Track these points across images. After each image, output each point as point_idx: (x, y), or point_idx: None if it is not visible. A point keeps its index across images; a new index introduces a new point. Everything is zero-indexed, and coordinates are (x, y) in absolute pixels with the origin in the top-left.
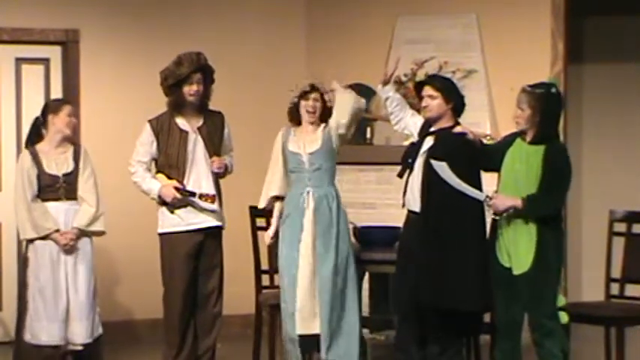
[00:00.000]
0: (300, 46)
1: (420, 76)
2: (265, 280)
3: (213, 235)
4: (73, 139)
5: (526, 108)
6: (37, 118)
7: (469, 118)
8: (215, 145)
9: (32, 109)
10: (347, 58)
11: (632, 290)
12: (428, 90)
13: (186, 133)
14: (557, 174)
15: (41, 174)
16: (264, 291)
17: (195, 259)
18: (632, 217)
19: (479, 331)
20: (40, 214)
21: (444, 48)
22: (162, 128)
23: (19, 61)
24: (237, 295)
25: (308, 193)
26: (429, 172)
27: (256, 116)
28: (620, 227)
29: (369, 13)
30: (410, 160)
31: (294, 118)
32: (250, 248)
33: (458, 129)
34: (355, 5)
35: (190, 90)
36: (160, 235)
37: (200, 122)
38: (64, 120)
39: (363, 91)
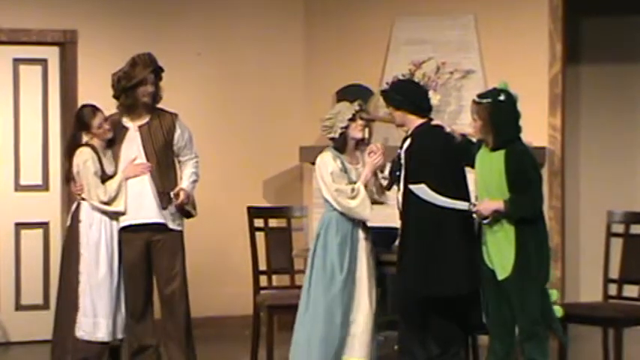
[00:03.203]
0: (299, 47)
1: (418, 76)
2: (263, 280)
3: (161, 235)
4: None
5: (477, 119)
6: (75, 126)
7: (467, 118)
8: (156, 145)
9: (30, 110)
10: (345, 58)
11: (629, 291)
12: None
13: (127, 129)
14: (521, 176)
15: (103, 175)
16: (262, 292)
17: (146, 258)
18: (630, 218)
19: (478, 330)
20: (113, 197)
21: (442, 49)
22: None
23: (17, 61)
24: (235, 295)
25: (359, 222)
26: (405, 171)
27: (254, 118)
28: (618, 228)
29: (367, 14)
30: (397, 173)
31: (344, 144)
32: (248, 249)
33: (434, 123)
34: (353, 6)
35: (145, 91)
36: None
37: (144, 121)
38: (98, 133)
39: (362, 91)
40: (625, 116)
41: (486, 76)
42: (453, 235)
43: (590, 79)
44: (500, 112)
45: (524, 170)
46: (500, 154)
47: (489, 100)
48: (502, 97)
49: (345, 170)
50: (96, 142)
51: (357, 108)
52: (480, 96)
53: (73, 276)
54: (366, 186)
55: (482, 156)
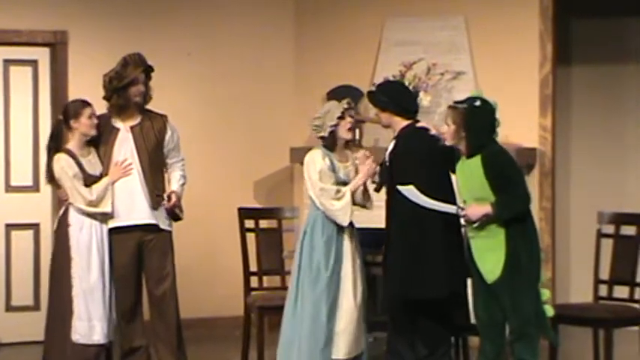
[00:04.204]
0: (289, 47)
1: (409, 77)
2: (254, 281)
3: (152, 235)
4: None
5: (451, 124)
6: (59, 121)
7: None
8: (148, 146)
9: (20, 111)
10: (336, 59)
11: (620, 292)
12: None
13: (118, 130)
14: (499, 176)
15: (85, 177)
16: (253, 293)
17: (136, 259)
18: (620, 219)
19: (466, 331)
20: (101, 197)
21: (433, 50)
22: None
23: (7, 62)
24: (226, 296)
25: None
26: (388, 178)
27: (245, 119)
28: (609, 229)
29: (358, 15)
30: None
31: (333, 142)
32: (239, 250)
33: (419, 125)
34: (344, 7)
35: (137, 91)
36: None
37: (136, 122)
38: (86, 123)
39: (352, 92)
40: (615, 117)
41: (477, 78)
42: (436, 237)
43: (581, 79)
44: (474, 117)
45: (501, 170)
46: (477, 160)
47: (465, 105)
48: (478, 103)
49: (333, 169)
50: (75, 142)
51: (346, 106)
52: (456, 102)
53: (64, 280)
54: (365, 192)
55: (462, 166)
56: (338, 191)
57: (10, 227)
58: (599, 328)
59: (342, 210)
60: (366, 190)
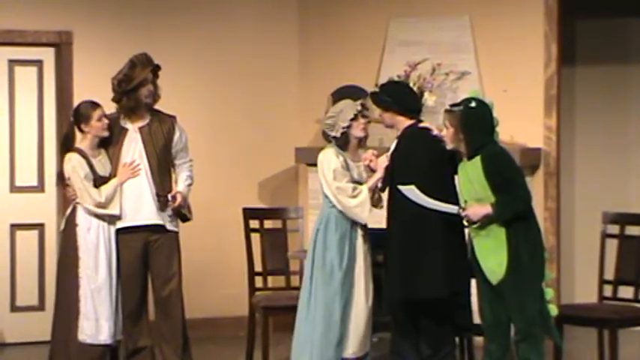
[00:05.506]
0: (294, 48)
1: (414, 77)
2: (259, 281)
3: (158, 235)
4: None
5: (449, 126)
6: (71, 123)
7: None
8: (157, 147)
9: (25, 111)
10: (340, 59)
11: (624, 292)
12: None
13: (126, 130)
14: (498, 177)
15: (95, 178)
16: (258, 293)
17: (142, 259)
18: (624, 219)
19: (469, 331)
20: (110, 199)
21: (437, 50)
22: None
23: (12, 62)
24: (231, 297)
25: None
26: (391, 179)
27: (250, 119)
28: (613, 229)
29: (363, 15)
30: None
31: (346, 142)
32: (244, 250)
33: (422, 125)
34: (348, 7)
35: (147, 91)
36: None
37: (144, 122)
38: (96, 126)
39: (356, 92)
40: (619, 117)
41: (482, 78)
42: (437, 237)
43: (585, 80)
44: (470, 119)
45: (499, 171)
46: (477, 161)
47: (461, 107)
48: (473, 104)
49: (347, 168)
50: (87, 143)
51: (359, 108)
52: (452, 105)
53: (71, 280)
54: (373, 194)
55: (463, 167)
56: (354, 189)
57: (14, 227)
58: (603, 329)
59: (359, 207)
60: (376, 190)
